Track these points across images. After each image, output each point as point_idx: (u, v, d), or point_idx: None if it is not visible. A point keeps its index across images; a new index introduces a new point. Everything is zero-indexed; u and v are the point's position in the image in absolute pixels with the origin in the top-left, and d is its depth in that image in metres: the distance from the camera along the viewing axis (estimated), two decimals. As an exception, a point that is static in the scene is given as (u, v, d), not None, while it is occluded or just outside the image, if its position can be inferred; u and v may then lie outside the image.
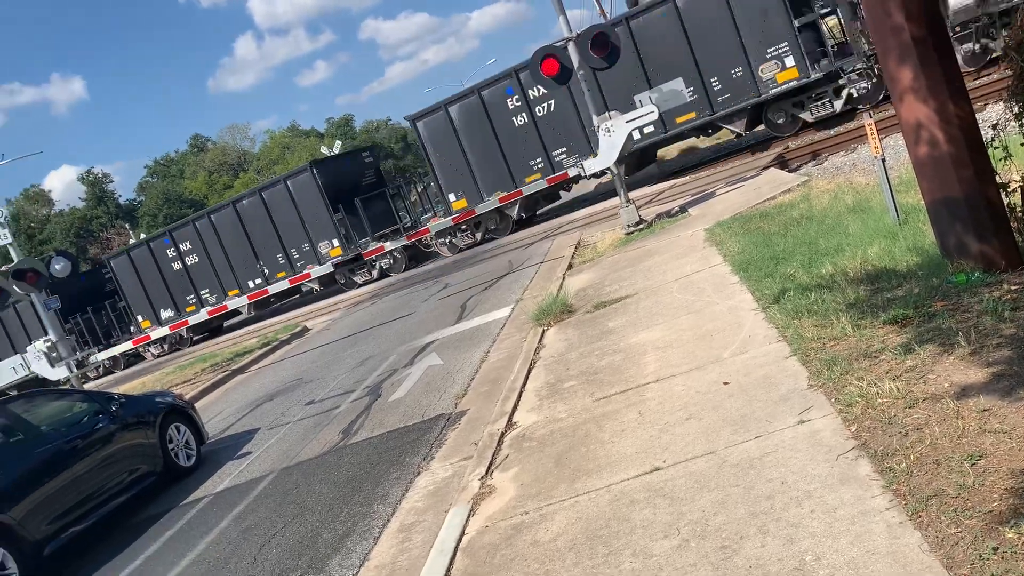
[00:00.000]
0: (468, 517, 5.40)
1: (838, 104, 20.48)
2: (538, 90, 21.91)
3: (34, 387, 16.65)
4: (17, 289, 16.67)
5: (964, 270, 5.91)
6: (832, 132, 19.66)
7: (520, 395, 7.60)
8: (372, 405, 9.97)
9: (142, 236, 37.59)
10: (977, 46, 18.58)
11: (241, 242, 28.03)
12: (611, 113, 15.11)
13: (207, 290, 28.91)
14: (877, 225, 8.40)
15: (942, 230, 6.20)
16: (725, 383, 5.92)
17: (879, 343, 5.41)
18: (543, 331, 9.85)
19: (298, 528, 6.78)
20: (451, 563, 4.88)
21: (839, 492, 3.97)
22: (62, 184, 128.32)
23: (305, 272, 27.38)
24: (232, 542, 7.06)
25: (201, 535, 7.56)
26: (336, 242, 26.63)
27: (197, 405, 12.83)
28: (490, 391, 8.53)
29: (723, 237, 11.09)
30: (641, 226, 15.02)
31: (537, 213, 26.24)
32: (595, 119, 14.98)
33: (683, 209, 15.72)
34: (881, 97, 19.92)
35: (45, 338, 17.33)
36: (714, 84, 21.15)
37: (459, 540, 5.13)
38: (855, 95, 20.16)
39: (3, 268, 17.07)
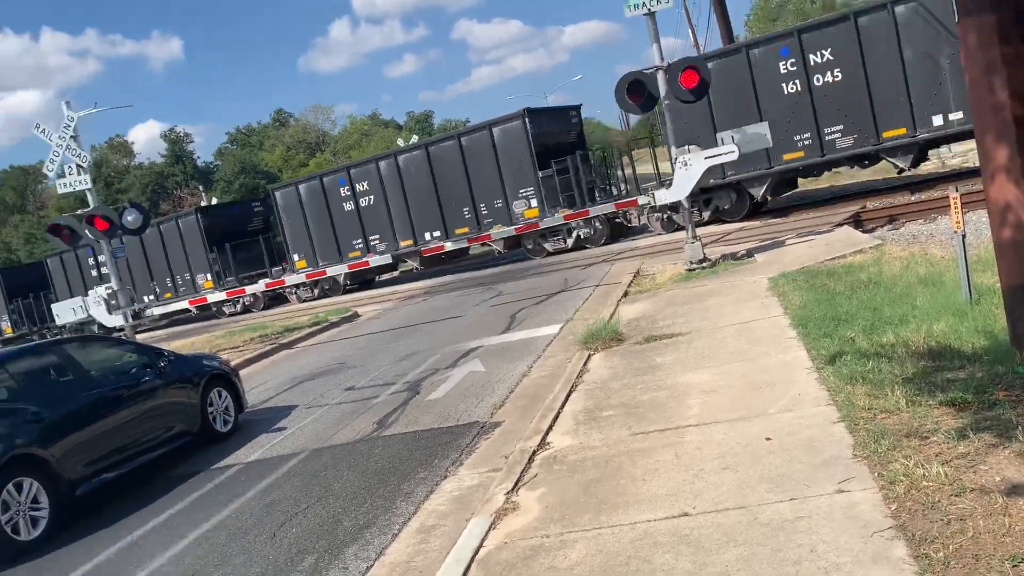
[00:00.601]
0: (488, 530, 5.38)
1: (706, 214, 21.61)
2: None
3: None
4: (89, 234, 17.19)
5: (1033, 361, 5.71)
6: (913, 198, 19.22)
7: (557, 416, 7.57)
8: (410, 401, 10.02)
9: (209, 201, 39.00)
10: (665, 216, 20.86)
11: (423, 190, 25.88)
12: (691, 147, 15.00)
13: (376, 236, 26.94)
14: (947, 301, 8.16)
15: (1015, 317, 6.00)
16: (767, 439, 5.80)
17: (932, 423, 5.25)
18: (589, 355, 9.80)
19: (320, 511, 6.84)
20: (465, 574, 4.87)
21: (869, 570, 3.85)
22: (146, 137, 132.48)
23: (486, 233, 24.98)
24: (255, 514, 7.16)
25: (226, 502, 7.68)
26: (535, 203, 24.31)
27: (242, 373, 13.03)
28: (527, 407, 8.51)
29: (787, 289, 10.91)
30: (704, 264, 14.86)
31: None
32: (674, 151, 14.89)
33: (750, 254, 15.51)
34: (745, 212, 21.47)
35: (107, 285, 17.84)
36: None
37: (476, 551, 5.12)
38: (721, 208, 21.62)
39: (79, 212, 17.62)
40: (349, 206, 27.34)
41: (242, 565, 6.13)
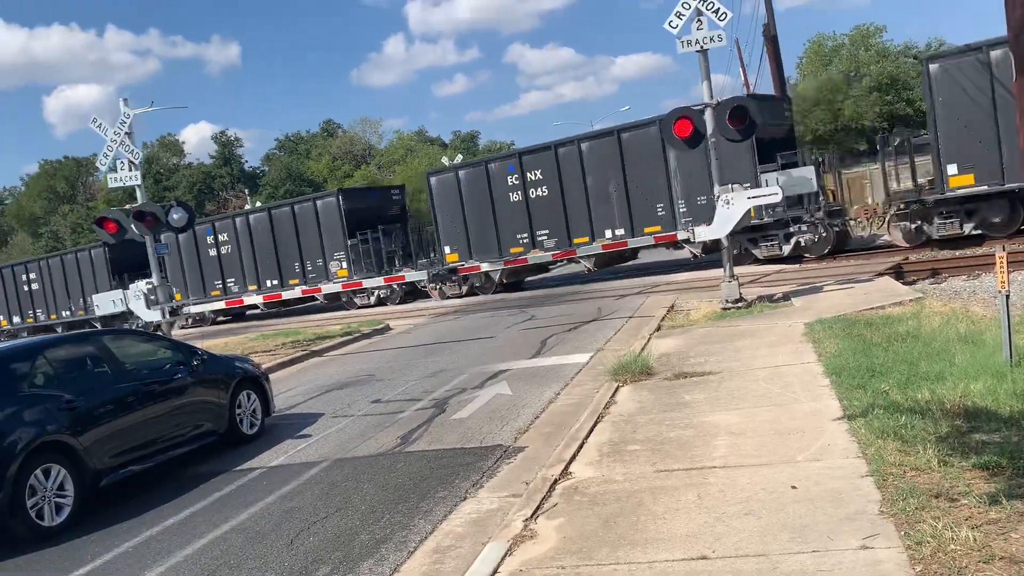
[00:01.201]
0: (504, 556, 5.36)
1: (787, 248, 21.74)
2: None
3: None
4: (135, 229, 17.52)
5: (1072, 431, 5.58)
6: (957, 253, 18.94)
7: (581, 446, 7.53)
8: (435, 418, 10.04)
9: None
10: (913, 226, 20.59)
11: (606, 181, 23.84)
12: (734, 186, 14.94)
13: (545, 231, 25.08)
14: (987, 361, 8.00)
15: (1057, 384, 5.88)
16: (793, 487, 5.72)
17: (964, 486, 5.14)
18: (617, 387, 9.75)
19: (338, 522, 6.86)
20: (478, 598, 4.85)
21: (890, 632, 3.77)
22: (197, 137, 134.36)
23: (671, 234, 22.94)
24: (273, 519, 7.19)
25: (246, 505, 7.73)
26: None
27: (272, 377, 13.16)
28: (552, 434, 8.48)
29: (822, 335, 10.78)
30: (740, 305, 14.75)
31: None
32: (716, 188, 14.84)
33: (786, 297, 15.37)
34: (826, 251, 21.50)
35: (147, 280, 18.14)
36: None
37: (491, 577, 5.10)
38: (803, 244, 21.61)
39: (127, 207, 17.98)
40: (516, 196, 25.53)
41: (257, 569, 6.16)
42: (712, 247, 19.77)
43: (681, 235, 22.05)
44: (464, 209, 26.43)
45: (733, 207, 14.61)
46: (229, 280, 32.02)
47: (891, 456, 5.83)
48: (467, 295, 26.49)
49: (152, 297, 18.04)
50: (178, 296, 30.52)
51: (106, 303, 19.14)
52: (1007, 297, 8.28)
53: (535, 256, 25.27)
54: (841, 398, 7.64)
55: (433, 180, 27.48)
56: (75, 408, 8.12)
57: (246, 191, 73.41)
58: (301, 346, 19.54)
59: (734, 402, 8.32)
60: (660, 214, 23.25)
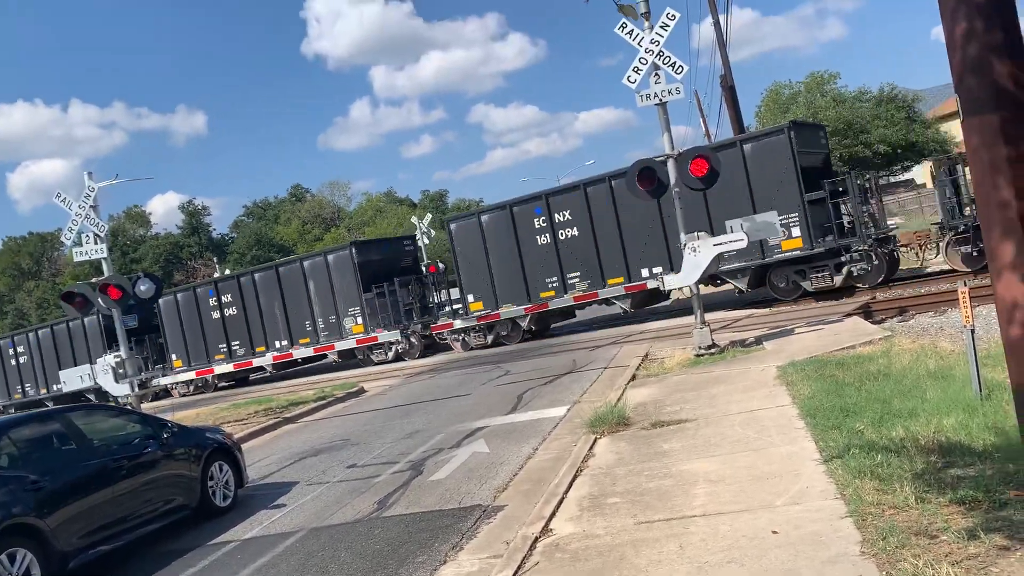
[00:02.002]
0: (486, 619, 5.24)
1: (838, 279, 21.12)
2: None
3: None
4: (101, 302, 17.32)
5: (1044, 461, 5.62)
6: (923, 291, 19.23)
7: (561, 502, 7.45)
8: (412, 481, 9.90)
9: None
10: (974, 250, 19.68)
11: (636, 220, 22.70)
12: (700, 234, 15.12)
13: (576, 274, 24.13)
14: (957, 396, 8.08)
15: (1026, 415, 5.94)
16: (774, 532, 5.69)
17: (942, 522, 5.14)
18: (595, 439, 9.70)
19: (315, 593, 6.69)
20: (460, 665, 4.73)
21: (878, 676, 3.73)
22: (164, 208, 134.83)
23: (641, 283, 22.58)
24: (249, 594, 7.00)
25: (220, 580, 7.52)
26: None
27: (244, 447, 12.95)
28: (531, 491, 8.39)
29: (795, 378, 10.84)
30: (713, 351, 14.82)
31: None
32: (683, 237, 15.02)
33: (758, 341, 15.47)
34: (880, 280, 21.00)
35: (115, 353, 17.88)
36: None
37: (473, 642, 4.98)
38: (855, 273, 20.91)
39: (93, 280, 17.80)
40: (544, 239, 24.53)
41: (233, 647, 5.97)
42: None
43: (650, 284, 22.19)
44: (488, 255, 25.30)
45: (700, 254, 14.76)
46: (234, 343, 30.20)
47: (869, 496, 5.83)
48: (493, 345, 25.30)
49: (121, 371, 17.77)
50: (178, 363, 30.03)
51: (73, 379, 18.83)
52: (972, 332, 8.40)
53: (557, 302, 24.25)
54: (817, 439, 7.66)
55: (454, 226, 26.51)
56: (41, 488, 7.91)
57: (214, 259, 73.08)
58: (274, 413, 19.27)
59: (711, 449, 8.30)
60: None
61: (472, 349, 25.72)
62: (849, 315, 17.23)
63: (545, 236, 24.51)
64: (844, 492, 6.09)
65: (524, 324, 25.01)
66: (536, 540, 6.55)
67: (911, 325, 16.22)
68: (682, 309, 22.46)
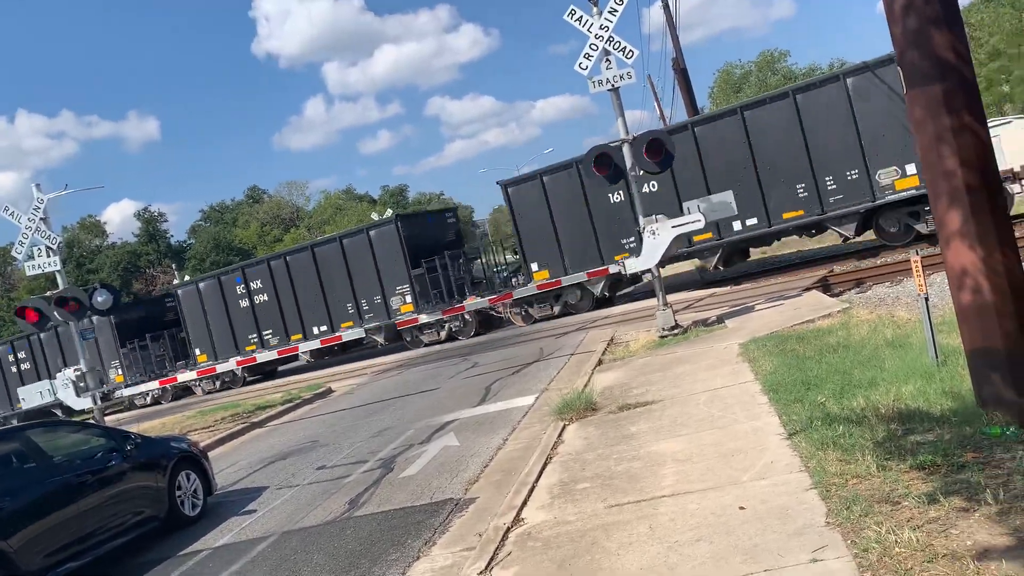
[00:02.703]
0: (461, 612, 5.25)
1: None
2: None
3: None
4: (57, 315, 16.99)
5: (999, 423, 5.76)
6: (879, 261, 19.55)
7: (532, 490, 7.47)
8: (382, 479, 9.86)
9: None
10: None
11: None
12: (658, 217, 15.21)
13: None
14: (914, 364, 8.24)
15: (980, 379, 6.07)
16: (741, 508, 5.76)
17: (903, 488, 5.24)
18: (564, 426, 9.74)
19: (289, 597, 6.64)
20: (437, 659, 4.73)
21: (846, 643, 3.79)
22: (120, 217, 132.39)
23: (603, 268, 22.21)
24: (222, 602, 6.94)
25: (192, 590, 7.44)
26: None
27: (212, 454, 12.81)
28: (502, 481, 8.41)
29: (757, 354, 10.97)
30: (676, 331, 14.94)
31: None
32: (642, 220, 15.10)
33: (720, 320, 15.63)
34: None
35: (75, 367, 17.57)
36: (828, 183, 20.56)
37: (448, 635, 4.98)
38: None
39: (48, 293, 17.45)
40: (618, 196, 22.46)
41: (207, 657, 5.91)
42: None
43: (612, 269, 22.30)
44: (553, 219, 23.73)
45: (659, 236, 14.86)
46: (266, 332, 28.05)
47: (832, 467, 5.92)
48: (560, 315, 23.97)
49: (82, 384, 17.46)
50: (203, 357, 28.72)
51: (32, 395, 18.48)
52: (926, 300, 8.57)
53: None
54: (780, 414, 7.76)
55: (512, 191, 24.51)
56: (1, 509, 7.75)
57: (173, 266, 72.02)
58: (241, 419, 19.07)
59: (677, 429, 8.38)
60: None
61: (536, 322, 24.16)
62: (808, 289, 17.47)
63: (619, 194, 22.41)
64: (808, 464, 6.18)
65: (598, 291, 23.33)
66: (508, 530, 6.57)
67: (868, 296, 16.49)
68: (645, 292, 22.53)
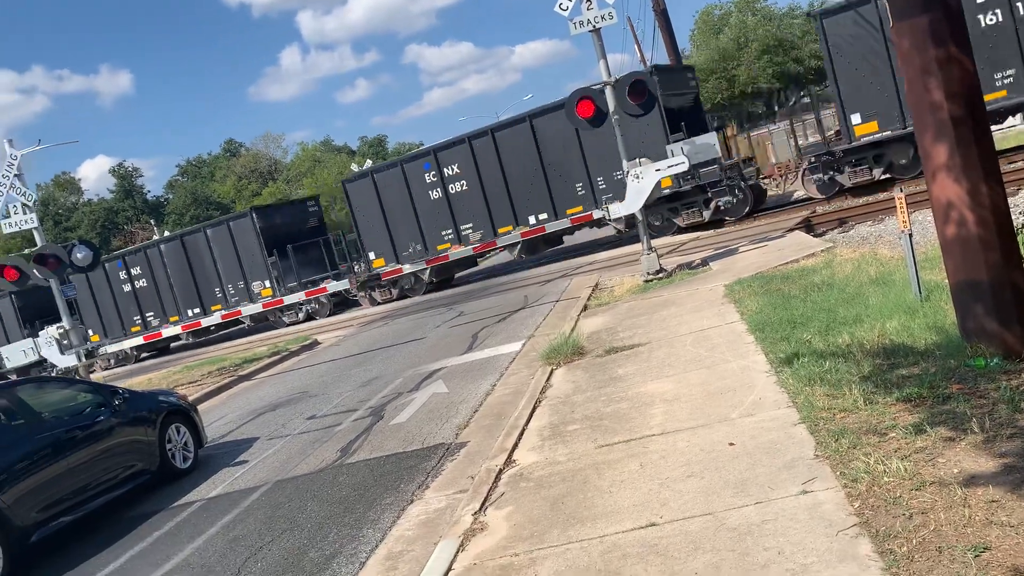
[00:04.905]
0: (457, 552, 5.32)
1: (707, 214, 22.00)
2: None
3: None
4: (37, 273, 16.82)
5: (983, 354, 5.83)
6: (861, 201, 19.62)
7: (522, 433, 7.54)
8: (373, 427, 9.92)
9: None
10: (826, 176, 21.07)
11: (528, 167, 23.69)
12: (641, 160, 15.14)
13: (469, 225, 24.93)
14: (898, 299, 8.32)
15: (964, 312, 6.13)
16: (731, 444, 5.84)
17: (890, 420, 5.32)
18: (551, 370, 9.79)
19: (285, 544, 6.71)
20: (435, 598, 4.81)
21: (836, 569, 3.88)
22: (96, 173, 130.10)
23: (588, 213, 23.02)
24: (218, 551, 7.00)
25: (188, 540, 7.50)
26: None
27: (200, 408, 12.81)
28: (492, 425, 8.47)
29: (742, 295, 11.03)
30: (661, 275, 14.98)
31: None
32: (625, 164, 15.02)
33: (705, 262, 15.68)
34: (746, 212, 21.82)
35: (58, 325, 17.44)
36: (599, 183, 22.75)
37: (446, 575, 5.05)
38: (722, 207, 21.68)
39: (26, 251, 17.23)
40: (436, 193, 25.18)
41: (207, 604, 5.98)
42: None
43: (597, 214, 22.28)
44: (384, 212, 26.04)
45: (643, 180, 14.81)
46: (148, 314, 30.78)
47: (820, 401, 6.00)
48: (398, 298, 26.23)
49: (65, 341, 17.36)
50: (95, 337, 29.41)
51: (16, 354, 18.36)
52: (910, 236, 8.61)
53: (456, 252, 25.09)
54: (767, 352, 7.83)
55: (350, 187, 27.13)
56: (-8, 466, 7.74)
57: (152, 222, 71.25)
58: (228, 372, 19.07)
59: (665, 370, 8.45)
60: (580, 194, 23.30)
61: (379, 304, 26.41)
62: (791, 230, 17.54)
63: (437, 191, 25.31)
64: (796, 400, 6.26)
65: (426, 277, 25.85)
66: (500, 472, 6.63)
67: (851, 235, 16.57)
68: (632, 238, 22.66)
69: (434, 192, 25.17)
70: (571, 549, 4.90)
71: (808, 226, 18.24)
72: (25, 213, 17.09)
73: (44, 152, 18.67)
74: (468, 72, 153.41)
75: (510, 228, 24.42)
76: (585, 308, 14.15)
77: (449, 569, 5.11)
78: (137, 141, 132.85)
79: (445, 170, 24.98)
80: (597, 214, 22.29)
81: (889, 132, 19.95)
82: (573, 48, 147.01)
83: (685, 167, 14.96)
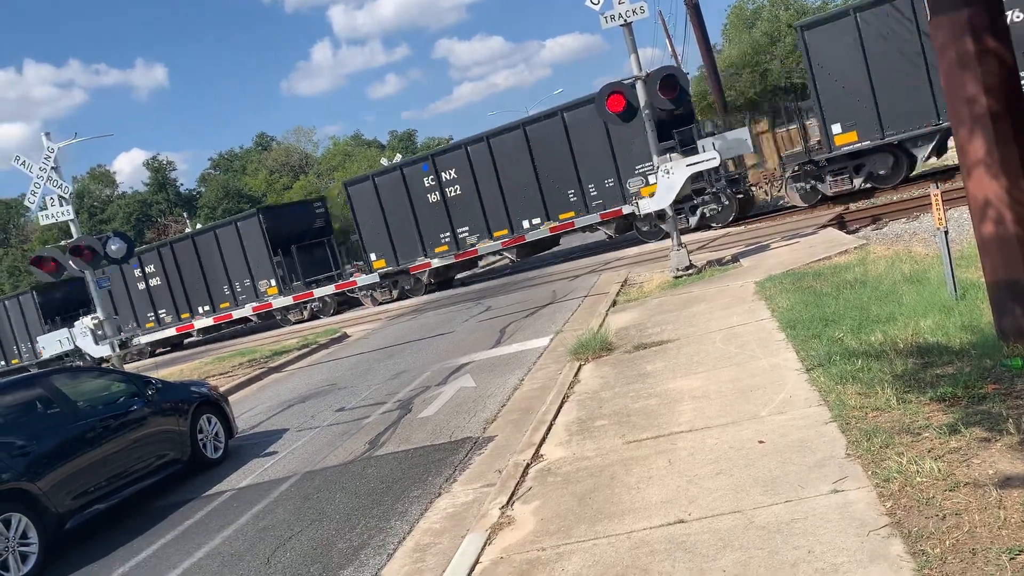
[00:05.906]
0: (484, 546, 5.34)
1: (693, 220, 22.45)
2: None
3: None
4: (73, 264, 17.07)
5: (1020, 354, 5.73)
6: (895, 198, 19.35)
7: (550, 428, 7.54)
8: (401, 419, 9.97)
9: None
10: (808, 185, 21.24)
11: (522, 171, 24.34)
12: (672, 155, 15.05)
13: (466, 228, 25.66)
14: (933, 298, 8.19)
15: (1001, 311, 6.03)
16: (760, 442, 5.79)
17: (923, 420, 5.25)
18: (580, 366, 9.77)
19: (314, 534, 6.77)
20: (462, 591, 4.82)
21: (867, 569, 3.83)
22: (130, 166, 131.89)
23: (616, 209, 23.24)
24: (248, 540, 7.08)
25: (218, 529, 7.60)
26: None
27: (231, 399, 12.96)
28: (520, 420, 8.48)
29: (773, 292, 10.93)
30: (691, 271, 14.88)
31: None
32: (655, 159, 14.93)
33: (735, 259, 15.56)
34: (731, 219, 22.21)
35: (93, 315, 17.70)
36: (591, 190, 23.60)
37: (472, 568, 5.07)
38: (707, 214, 22.40)
39: (62, 243, 17.51)
40: (434, 196, 25.91)
41: (236, 592, 6.05)
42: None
43: (626, 210, 22.19)
44: (385, 215, 26.73)
45: (673, 175, 14.71)
46: (161, 311, 31.77)
47: (852, 400, 5.93)
48: (399, 299, 26.71)
49: (100, 332, 17.62)
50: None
51: (52, 343, 18.66)
52: (946, 234, 8.47)
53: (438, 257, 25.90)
54: (798, 350, 7.75)
55: (351, 190, 27.81)
56: (29, 453, 7.89)
57: (184, 215, 72.05)
58: (258, 364, 19.26)
59: (694, 366, 8.40)
60: (572, 200, 24.08)
61: (381, 304, 26.81)
62: (823, 227, 17.34)
63: (435, 194, 25.93)
64: (827, 398, 6.19)
65: (425, 279, 26.45)
66: (528, 466, 6.64)
67: (885, 232, 16.35)
68: (621, 243, 23.06)
69: (432, 195, 25.92)
70: (598, 544, 4.90)
71: (841, 223, 18.02)
72: (61, 205, 17.35)
73: (80, 145, 19.03)
74: (498, 67, 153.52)
75: (505, 232, 25.09)
76: (614, 304, 14.10)
77: (476, 562, 5.13)
78: (171, 134, 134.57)
79: (443, 175, 25.71)
80: (627, 209, 22.21)
81: (868, 142, 20.02)
82: (604, 43, 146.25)
83: (716, 162, 14.84)
